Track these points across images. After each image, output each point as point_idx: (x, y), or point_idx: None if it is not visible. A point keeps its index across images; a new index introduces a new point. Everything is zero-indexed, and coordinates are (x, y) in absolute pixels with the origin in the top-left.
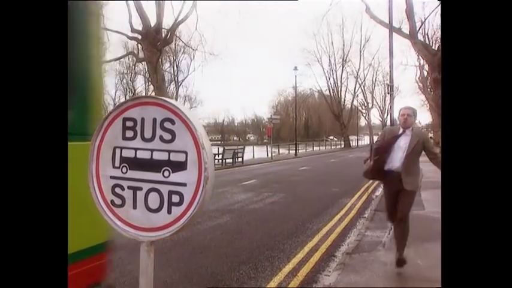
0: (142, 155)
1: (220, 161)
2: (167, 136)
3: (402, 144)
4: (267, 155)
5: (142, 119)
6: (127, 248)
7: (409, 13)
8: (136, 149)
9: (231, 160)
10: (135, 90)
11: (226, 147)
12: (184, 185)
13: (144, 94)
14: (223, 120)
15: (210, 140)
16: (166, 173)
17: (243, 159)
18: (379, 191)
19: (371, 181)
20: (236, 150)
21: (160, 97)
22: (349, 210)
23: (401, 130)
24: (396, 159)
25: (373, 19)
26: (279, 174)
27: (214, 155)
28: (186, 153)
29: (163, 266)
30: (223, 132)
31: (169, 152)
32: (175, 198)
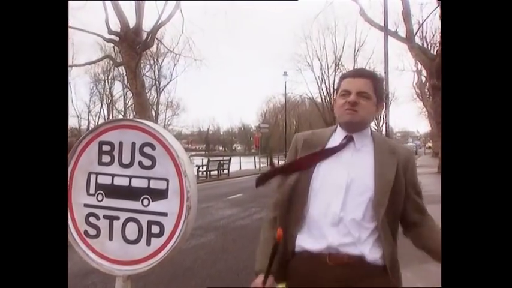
0: (120, 181)
1: (204, 173)
2: (147, 162)
3: (339, 177)
4: (255, 166)
5: (121, 143)
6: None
7: (406, 15)
8: (113, 175)
9: (216, 172)
10: (112, 97)
11: (211, 158)
12: (165, 214)
13: (122, 101)
14: (208, 129)
15: (194, 150)
16: (145, 202)
17: (229, 171)
18: None
19: None
20: (222, 162)
21: (140, 120)
22: None
23: (340, 135)
24: (326, 223)
25: (367, 22)
26: (268, 187)
27: (198, 166)
28: (167, 180)
29: None
30: (207, 141)
31: (149, 179)
32: (155, 229)
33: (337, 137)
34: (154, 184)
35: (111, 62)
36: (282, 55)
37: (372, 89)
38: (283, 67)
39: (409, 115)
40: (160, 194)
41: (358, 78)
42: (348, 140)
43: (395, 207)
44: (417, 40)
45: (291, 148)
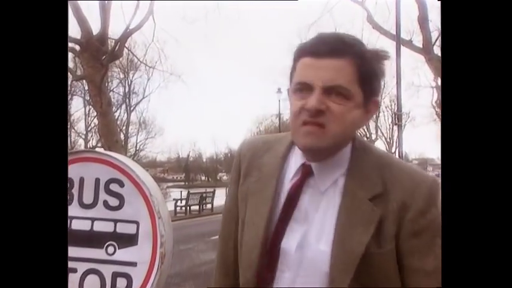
0: (80, 225)
1: (183, 208)
2: (113, 201)
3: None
4: None
5: (81, 180)
6: None
7: (423, 21)
8: (71, 218)
9: (197, 207)
10: (70, 116)
11: (191, 190)
12: (133, 264)
13: (83, 121)
14: (189, 155)
15: (171, 181)
16: (110, 249)
17: (212, 205)
18: None
19: None
20: (204, 194)
21: (106, 152)
22: None
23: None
24: None
25: (376, 29)
26: None
27: (176, 200)
28: (137, 223)
29: None
30: (187, 170)
31: (115, 221)
32: (121, 283)
33: (293, 162)
34: (121, 228)
35: (69, 75)
36: (275, 68)
37: (356, 78)
38: (276, 82)
39: (428, 139)
40: (128, 240)
41: (327, 58)
42: (305, 174)
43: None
44: (436, 50)
45: (234, 164)
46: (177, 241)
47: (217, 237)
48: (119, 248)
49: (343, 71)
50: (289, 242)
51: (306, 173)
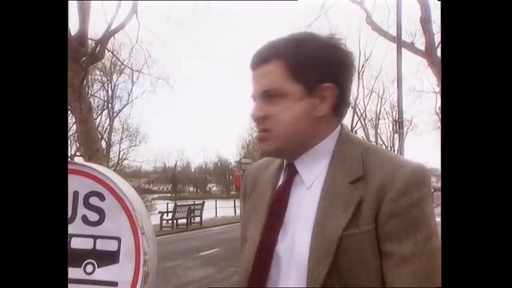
0: None
1: (170, 221)
2: (93, 216)
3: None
4: (235, 212)
5: None
6: None
7: (425, 22)
8: None
9: (185, 220)
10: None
11: (178, 203)
12: (114, 284)
13: None
14: (176, 165)
15: (157, 192)
16: (89, 268)
17: (201, 218)
18: None
19: None
20: (192, 207)
21: (85, 163)
22: None
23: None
24: None
25: (375, 31)
26: None
27: (162, 213)
28: (118, 239)
29: None
30: (175, 181)
31: (95, 238)
32: None
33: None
34: (101, 244)
35: None
36: None
37: (288, 75)
38: None
39: (431, 147)
40: (109, 258)
41: (259, 67)
42: (290, 174)
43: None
44: (440, 54)
45: (241, 191)
46: (162, 258)
47: (206, 253)
48: (98, 267)
49: (272, 74)
50: (280, 245)
51: (291, 172)
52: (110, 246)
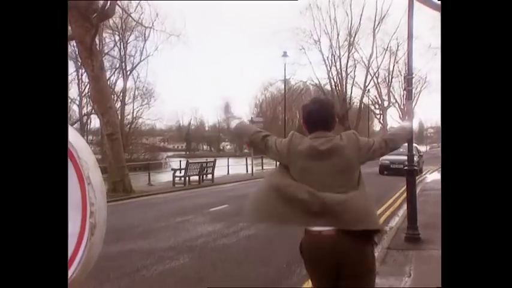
0: None
1: (182, 178)
2: None
3: None
4: (247, 170)
5: None
6: None
7: None
8: None
9: (196, 177)
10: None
11: (190, 160)
12: None
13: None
14: (190, 123)
15: (171, 150)
16: None
17: (213, 176)
18: (390, 222)
19: (383, 206)
20: (204, 164)
21: None
22: None
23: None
24: None
25: None
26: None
27: (175, 170)
28: None
29: None
30: (189, 139)
31: None
32: None
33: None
34: None
35: None
36: (281, 30)
37: None
38: (282, 46)
39: None
40: None
41: None
42: None
43: None
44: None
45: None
46: (173, 213)
47: (215, 208)
48: None
49: None
50: None
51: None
52: None
